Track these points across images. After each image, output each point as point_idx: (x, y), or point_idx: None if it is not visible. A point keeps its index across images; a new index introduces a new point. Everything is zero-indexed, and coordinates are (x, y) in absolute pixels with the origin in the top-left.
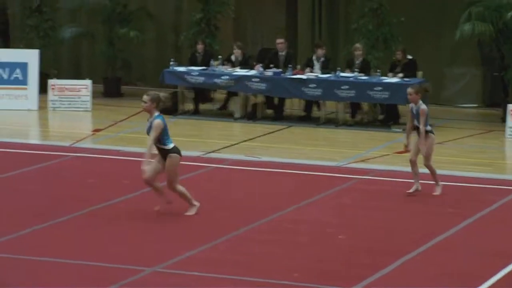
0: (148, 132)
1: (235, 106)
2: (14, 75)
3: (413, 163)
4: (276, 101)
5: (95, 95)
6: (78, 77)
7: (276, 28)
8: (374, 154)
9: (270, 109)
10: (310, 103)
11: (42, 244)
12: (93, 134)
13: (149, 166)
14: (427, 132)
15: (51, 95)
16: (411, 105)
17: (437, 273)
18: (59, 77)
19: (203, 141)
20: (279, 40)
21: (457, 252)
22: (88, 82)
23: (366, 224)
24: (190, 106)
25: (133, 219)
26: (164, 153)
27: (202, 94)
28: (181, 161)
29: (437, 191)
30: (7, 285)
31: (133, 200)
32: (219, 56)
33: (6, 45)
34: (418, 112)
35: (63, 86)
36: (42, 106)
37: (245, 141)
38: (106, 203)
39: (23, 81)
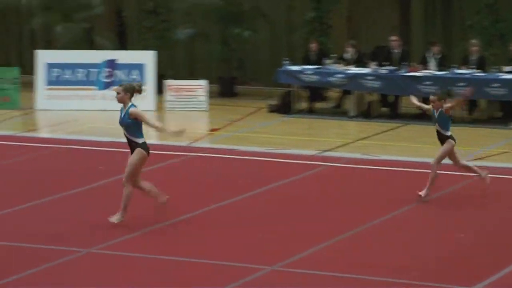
0: (121, 123)
1: (350, 104)
2: (132, 76)
3: (460, 167)
4: (391, 99)
5: (210, 95)
6: (193, 78)
7: (389, 26)
8: (492, 151)
9: (385, 107)
10: (426, 101)
11: (162, 243)
12: (210, 133)
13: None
14: (447, 137)
15: (167, 95)
16: (433, 110)
17: None
18: (175, 77)
19: (318, 139)
20: (393, 38)
21: None
22: (203, 82)
23: (485, 223)
24: (304, 105)
25: (250, 218)
26: (133, 147)
27: (316, 92)
28: (147, 159)
29: (423, 192)
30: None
31: (247, 200)
32: (333, 55)
33: (124, 47)
34: (442, 115)
35: (179, 86)
36: (159, 106)
37: (360, 139)
38: (223, 202)
39: (140, 82)
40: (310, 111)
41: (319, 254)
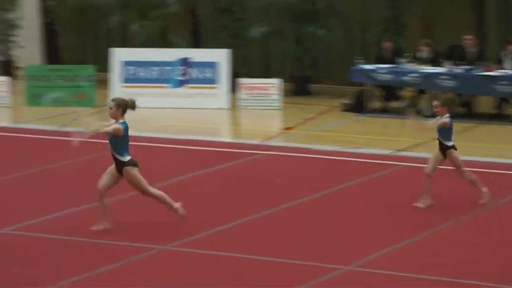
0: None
1: (424, 103)
2: (206, 75)
3: (427, 176)
4: (466, 98)
5: (283, 93)
6: (267, 76)
7: (464, 25)
8: None
9: (460, 107)
10: (502, 101)
11: (234, 241)
12: (283, 132)
13: (104, 178)
14: (449, 147)
15: (241, 94)
16: (438, 117)
17: None
18: (249, 76)
19: (391, 139)
20: (467, 37)
21: None
22: (276, 81)
23: None
24: (377, 104)
25: (323, 217)
26: (119, 165)
27: (390, 91)
28: (139, 171)
29: (483, 200)
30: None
31: (320, 199)
32: (407, 54)
33: (198, 45)
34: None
35: (252, 85)
36: (232, 104)
37: (434, 139)
38: (296, 201)
39: (214, 80)
40: (384, 110)
41: (392, 255)
